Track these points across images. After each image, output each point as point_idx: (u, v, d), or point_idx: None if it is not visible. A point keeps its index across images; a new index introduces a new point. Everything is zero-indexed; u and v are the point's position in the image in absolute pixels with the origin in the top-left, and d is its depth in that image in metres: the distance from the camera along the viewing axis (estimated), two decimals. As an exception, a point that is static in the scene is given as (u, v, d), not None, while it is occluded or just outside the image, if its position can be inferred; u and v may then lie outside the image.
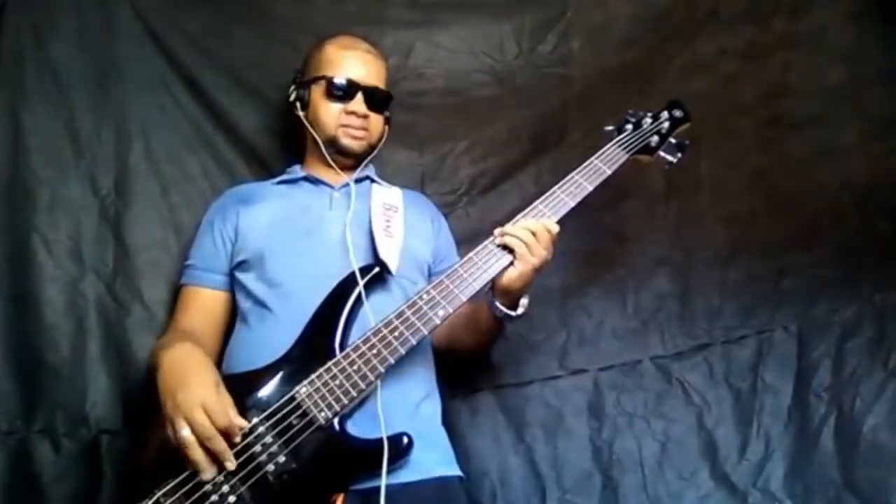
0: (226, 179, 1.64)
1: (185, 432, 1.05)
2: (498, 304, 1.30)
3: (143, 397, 1.45)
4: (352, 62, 1.47)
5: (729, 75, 1.76)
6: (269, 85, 1.69)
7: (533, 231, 1.25)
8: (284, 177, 1.51)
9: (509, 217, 1.67)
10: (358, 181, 1.49)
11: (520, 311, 1.32)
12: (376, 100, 1.48)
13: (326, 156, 1.46)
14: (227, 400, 1.11)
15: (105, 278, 1.50)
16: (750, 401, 1.55)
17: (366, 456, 1.14)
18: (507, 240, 1.25)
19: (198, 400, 1.07)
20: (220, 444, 1.06)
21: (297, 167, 1.54)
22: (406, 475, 1.18)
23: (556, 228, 1.27)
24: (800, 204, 1.68)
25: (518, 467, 1.54)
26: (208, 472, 1.06)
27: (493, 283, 1.28)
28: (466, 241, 1.59)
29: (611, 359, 1.62)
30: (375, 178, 1.54)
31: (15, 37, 1.50)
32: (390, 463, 1.13)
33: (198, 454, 1.05)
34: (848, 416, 1.49)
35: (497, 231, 1.27)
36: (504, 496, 1.51)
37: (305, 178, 1.49)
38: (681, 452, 1.53)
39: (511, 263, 1.24)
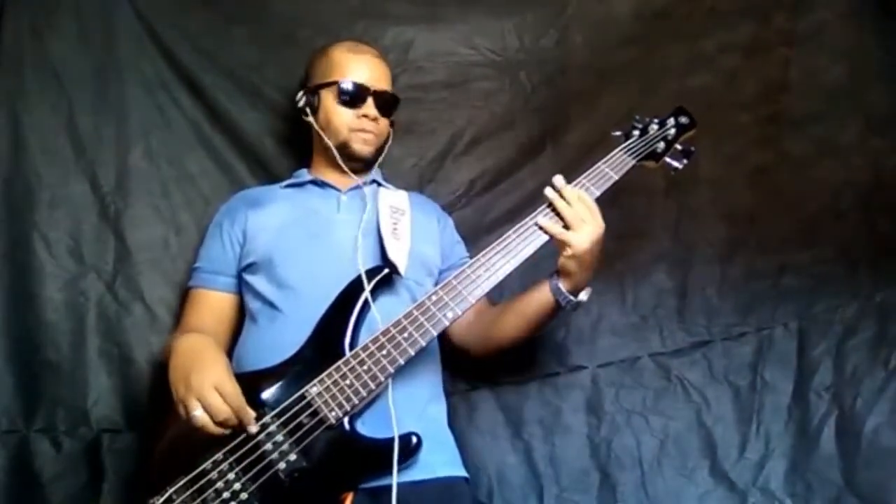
0: (225, 179, 1.65)
1: (198, 412, 1.06)
2: (561, 286, 1.28)
3: (145, 396, 1.47)
4: (361, 66, 1.47)
5: (729, 72, 1.75)
6: (269, 86, 1.69)
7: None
8: (291, 180, 1.52)
9: (508, 216, 1.69)
10: (365, 184, 1.49)
11: (582, 296, 1.30)
12: (386, 103, 1.49)
13: (339, 159, 1.46)
14: (238, 389, 1.11)
15: (105, 277, 1.51)
16: (749, 399, 1.54)
17: (375, 455, 1.15)
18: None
19: (210, 382, 1.08)
20: (233, 424, 1.08)
21: (303, 171, 1.54)
22: (413, 474, 1.19)
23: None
24: (800, 201, 1.67)
25: (516, 465, 1.53)
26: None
27: (558, 270, 1.28)
28: (465, 241, 1.59)
29: (609, 356, 1.61)
30: (382, 181, 1.54)
31: (15, 36, 1.51)
32: (400, 462, 1.13)
33: (215, 430, 1.07)
34: (849, 415, 1.47)
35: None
36: (501, 494, 1.50)
37: (312, 182, 1.50)
38: (679, 450, 1.51)
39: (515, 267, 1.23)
